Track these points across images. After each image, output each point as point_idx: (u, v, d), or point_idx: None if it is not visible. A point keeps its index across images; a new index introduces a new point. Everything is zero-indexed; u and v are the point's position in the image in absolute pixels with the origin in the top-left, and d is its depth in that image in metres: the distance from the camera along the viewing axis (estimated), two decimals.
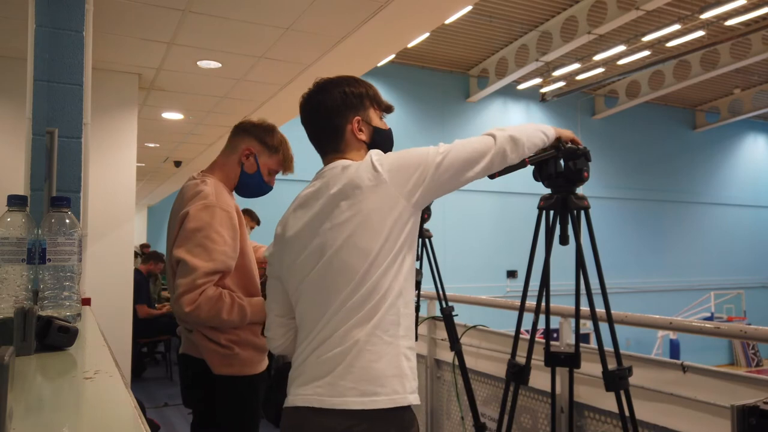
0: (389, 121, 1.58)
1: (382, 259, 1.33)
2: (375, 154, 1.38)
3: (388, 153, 1.40)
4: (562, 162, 1.76)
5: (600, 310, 1.83)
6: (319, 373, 1.33)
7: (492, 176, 1.51)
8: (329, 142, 1.47)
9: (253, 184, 1.99)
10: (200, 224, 1.78)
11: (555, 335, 2.32)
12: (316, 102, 1.47)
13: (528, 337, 1.99)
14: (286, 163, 2.02)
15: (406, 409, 1.34)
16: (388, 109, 1.56)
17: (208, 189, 1.85)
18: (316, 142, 1.50)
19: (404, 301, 1.37)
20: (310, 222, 1.41)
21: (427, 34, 11.45)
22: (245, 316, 1.80)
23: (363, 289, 1.33)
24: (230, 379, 1.85)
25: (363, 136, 1.47)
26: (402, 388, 1.32)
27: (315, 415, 1.30)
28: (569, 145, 1.72)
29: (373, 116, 1.50)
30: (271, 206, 3.81)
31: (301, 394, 1.34)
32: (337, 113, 1.46)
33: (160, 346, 7.41)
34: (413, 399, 1.35)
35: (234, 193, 2.03)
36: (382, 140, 1.50)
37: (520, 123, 1.64)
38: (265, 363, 1.96)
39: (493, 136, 1.46)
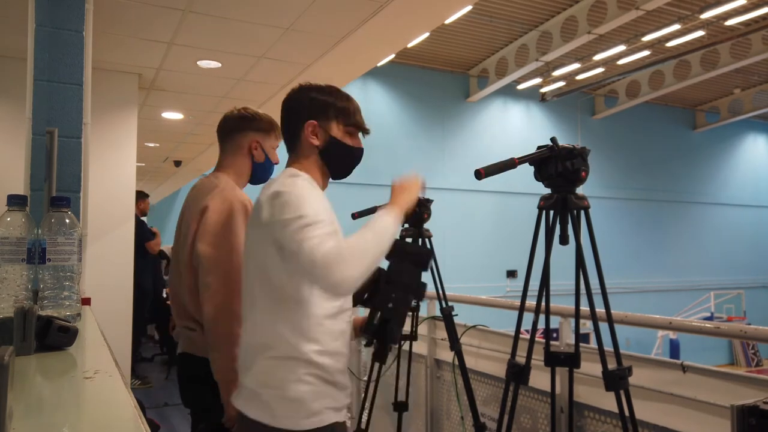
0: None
1: (275, 281, 1.41)
2: (278, 186, 1.42)
3: (284, 196, 1.38)
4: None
5: (600, 310, 1.83)
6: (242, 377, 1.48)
7: (479, 176, 1.51)
8: (287, 141, 1.60)
9: (264, 170, 2.06)
10: (222, 217, 1.84)
11: (555, 335, 2.31)
12: (284, 103, 1.60)
13: (528, 337, 1.99)
14: (280, 133, 2.04)
15: None
16: (360, 127, 1.59)
17: (224, 184, 1.93)
18: (283, 138, 1.64)
19: (311, 323, 1.40)
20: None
21: (427, 34, 11.44)
22: None
23: (258, 305, 1.44)
24: None
25: (316, 141, 1.53)
26: (296, 414, 1.36)
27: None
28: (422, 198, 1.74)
29: (334, 127, 1.55)
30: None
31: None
32: (296, 115, 1.56)
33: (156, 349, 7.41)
34: (308, 424, 1.35)
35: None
36: (336, 153, 1.55)
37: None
38: None
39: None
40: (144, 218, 6.09)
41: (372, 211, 2.65)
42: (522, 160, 1.64)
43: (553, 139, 1.71)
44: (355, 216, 2.67)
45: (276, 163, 2.07)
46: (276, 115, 2.01)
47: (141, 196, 6.00)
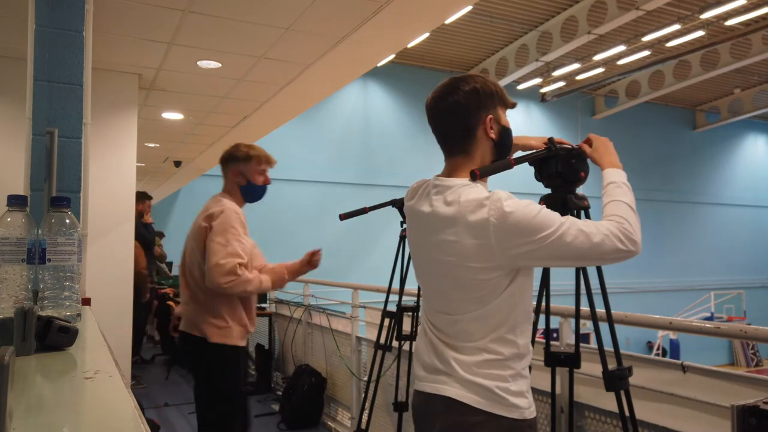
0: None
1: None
2: (495, 204, 1.36)
3: (513, 209, 1.35)
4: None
5: (600, 310, 1.83)
6: None
7: (474, 177, 1.50)
8: (459, 142, 1.48)
9: (251, 192, 2.57)
10: (224, 220, 2.42)
11: (555, 335, 2.31)
12: (451, 102, 1.47)
13: None
14: (261, 158, 2.57)
15: None
16: (513, 105, 1.56)
17: (225, 201, 2.50)
18: (444, 141, 1.51)
19: None
20: (422, 233, 1.51)
21: (427, 34, 11.45)
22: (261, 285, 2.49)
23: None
24: (222, 347, 2.43)
25: (493, 134, 1.48)
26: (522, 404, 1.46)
27: None
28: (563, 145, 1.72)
29: (501, 114, 1.51)
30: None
31: None
32: (472, 113, 1.46)
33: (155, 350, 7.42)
34: (529, 414, 1.45)
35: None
36: (508, 142, 1.53)
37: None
38: (246, 340, 2.56)
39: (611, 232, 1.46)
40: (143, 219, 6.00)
41: (362, 211, 2.64)
42: (518, 160, 1.63)
43: (550, 140, 1.70)
44: (342, 217, 2.66)
45: (261, 184, 2.57)
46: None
47: (141, 197, 5.90)
